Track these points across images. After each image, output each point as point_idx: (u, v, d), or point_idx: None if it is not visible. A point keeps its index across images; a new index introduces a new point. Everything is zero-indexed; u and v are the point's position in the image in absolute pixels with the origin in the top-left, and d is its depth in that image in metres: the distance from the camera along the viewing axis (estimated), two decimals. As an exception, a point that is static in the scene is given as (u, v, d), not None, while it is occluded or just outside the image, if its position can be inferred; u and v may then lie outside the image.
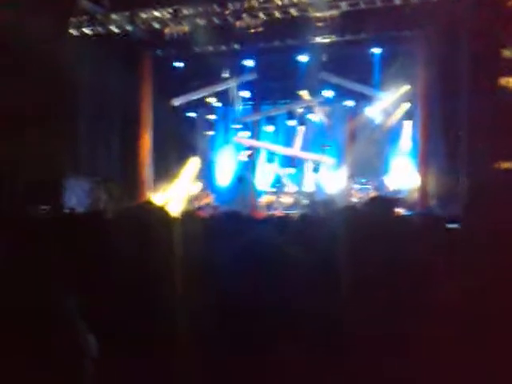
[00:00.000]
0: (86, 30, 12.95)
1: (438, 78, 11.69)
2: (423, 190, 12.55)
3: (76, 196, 12.26)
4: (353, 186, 14.28)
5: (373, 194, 13.14)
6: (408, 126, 14.13)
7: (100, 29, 12.96)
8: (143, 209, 2.42)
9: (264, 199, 14.98)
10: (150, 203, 2.61)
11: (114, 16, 12.82)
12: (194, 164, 15.35)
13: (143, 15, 12.78)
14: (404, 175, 14.13)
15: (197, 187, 15.17)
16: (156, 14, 12.77)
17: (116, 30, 13.00)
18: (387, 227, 2.74)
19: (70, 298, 1.85)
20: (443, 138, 11.93)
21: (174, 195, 14.49)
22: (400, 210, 11.54)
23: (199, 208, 14.53)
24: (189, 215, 3.60)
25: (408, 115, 14.04)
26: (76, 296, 1.86)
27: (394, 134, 14.43)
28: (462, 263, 2.33)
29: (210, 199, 15.21)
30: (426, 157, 12.63)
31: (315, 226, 3.47)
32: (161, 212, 2.38)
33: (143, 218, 2.26)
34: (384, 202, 3.17)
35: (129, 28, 12.96)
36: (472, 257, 2.35)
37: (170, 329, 2.06)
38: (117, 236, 2.21)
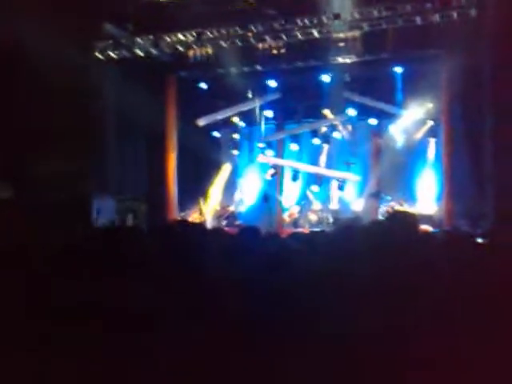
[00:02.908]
0: (112, 54, 13.24)
1: (461, 95, 11.67)
2: (448, 206, 12.46)
3: (103, 215, 12.43)
4: (378, 203, 14.21)
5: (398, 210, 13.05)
6: (432, 143, 14.07)
7: (125, 52, 13.24)
8: (184, 226, 2.49)
9: (289, 215, 15.03)
10: (185, 221, 2.69)
11: (138, 40, 13.10)
12: (220, 179, 15.61)
13: (167, 38, 13.03)
14: (429, 192, 14.03)
15: (219, 198, 15.42)
16: (180, 37, 13.01)
17: (141, 54, 13.27)
18: (409, 243, 2.75)
19: None
20: (468, 155, 11.87)
21: (201, 212, 14.71)
22: (427, 228, 11.46)
23: (226, 218, 14.77)
24: (218, 233, 3.66)
25: (432, 133, 14.00)
26: None
27: (418, 152, 14.36)
28: (490, 279, 2.35)
29: (232, 209, 15.42)
30: (450, 173, 12.56)
31: (334, 242, 3.45)
32: (199, 229, 2.45)
33: (185, 235, 2.32)
34: (405, 218, 3.14)
35: (153, 51, 13.23)
36: (500, 272, 2.36)
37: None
38: (156, 252, 2.28)
